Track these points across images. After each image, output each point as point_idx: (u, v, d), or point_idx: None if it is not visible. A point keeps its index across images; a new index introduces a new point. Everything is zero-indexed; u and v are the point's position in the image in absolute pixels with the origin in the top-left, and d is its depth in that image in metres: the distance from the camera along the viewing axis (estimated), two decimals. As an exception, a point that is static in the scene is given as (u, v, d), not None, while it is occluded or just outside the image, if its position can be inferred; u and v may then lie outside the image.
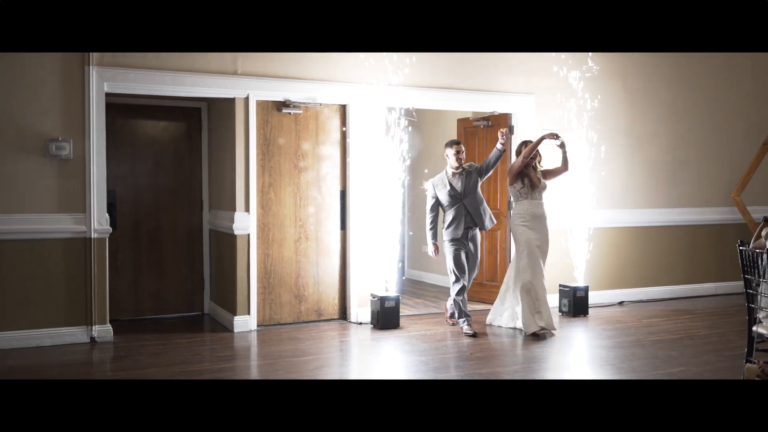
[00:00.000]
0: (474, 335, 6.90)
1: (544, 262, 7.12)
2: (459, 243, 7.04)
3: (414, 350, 6.44)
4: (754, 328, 4.78)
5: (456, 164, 7.05)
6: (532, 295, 6.96)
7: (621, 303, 8.74)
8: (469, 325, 7.01)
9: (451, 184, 7.07)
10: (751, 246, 4.82)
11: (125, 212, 7.67)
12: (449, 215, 7.09)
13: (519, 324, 7.11)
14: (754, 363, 4.48)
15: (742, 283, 4.91)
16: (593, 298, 8.41)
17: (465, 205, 7.05)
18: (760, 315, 4.75)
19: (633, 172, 8.95)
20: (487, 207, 7.27)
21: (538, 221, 7.09)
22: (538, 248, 7.05)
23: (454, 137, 8.68)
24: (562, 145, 7.23)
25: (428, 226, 7.23)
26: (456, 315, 7.14)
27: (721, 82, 9.48)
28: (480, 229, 7.16)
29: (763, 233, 4.81)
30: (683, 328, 7.34)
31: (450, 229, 7.07)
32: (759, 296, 4.75)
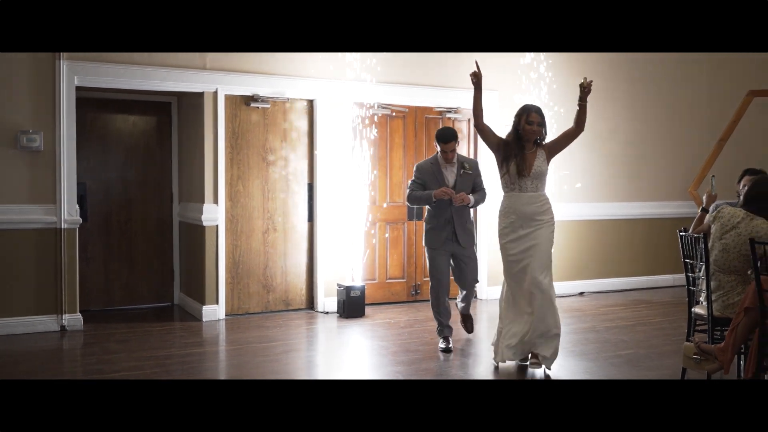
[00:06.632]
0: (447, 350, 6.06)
1: (536, 275, 5.44)
2: (438, 249, 6.06)
3: (376, 336, 6.67)
4: (694, 309, 5.05)
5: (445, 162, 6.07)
6: (503, 320, 5.57)
7: (581, 293, 9.03)
8: (445, 338, 6.14)
9: (441, 174, 6.05)
10: (691, 231, 5.08)
11: (96, 204, 7.81)
12: (431, 218, 6.09)
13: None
14: (692, 341, 4.74)
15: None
16: (554, 288, 8.64)
17: (452, 212, 5.97)
18: (701, 297, 5.01)
19: (593, 168, 9.23)
20: (473, 223, 6.28)
21: (524, 222, 5.37)
22: (521, 258, 5.40)
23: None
24: (585, 92, 5.42)
25: (417, 200, 6.05)
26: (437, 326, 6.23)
27: (678, 80, 9.79)
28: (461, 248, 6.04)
29: (706, 219, 5.07)
30: (638, 316, 7.62)
31: (430, 235, 6.07)
32: (698, 279, 5.01)
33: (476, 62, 5.49)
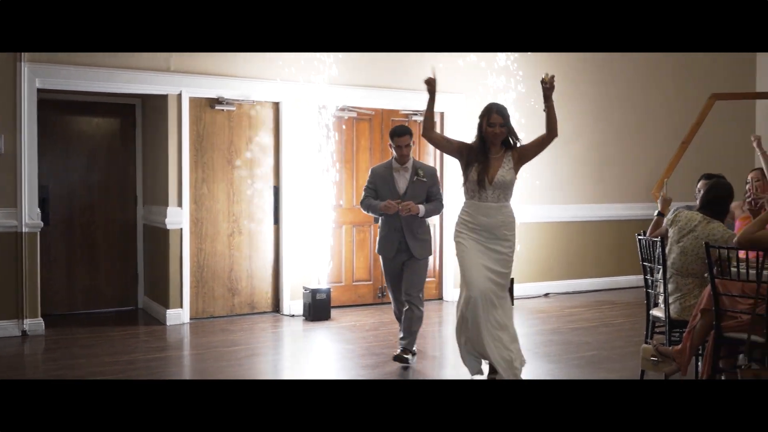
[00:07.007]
0: (400, 359, 5.65)
1: (498, 295, 4.86)
2: (390, 259, 5.79)
3: (341, 339, 6.68)
4: (652, 312, 5.13)
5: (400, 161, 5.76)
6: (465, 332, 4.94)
7: (546, 295, 9.11)
8: (402, 348, 5.71)
9: (393, 180, 5.75)
10: (648, 235, 5.16)
11: (58, 207, 7.72)
12: (383, 224, 5.83)
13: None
14: (650, 343, 4.81)
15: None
16: (520, 290, 8.75)
17: (402, 220, 5.66)
18: (659, 300, 5.08)
19: (559, 170, 9.31)
20: (429, 232, 5.95)
21: (485, 233, 4.86)
22: (482, 264, 4.84)
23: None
24: (548, 89, 4.96)
25: (368, 208, 5.79)
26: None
27: (642, 82, 9.91)
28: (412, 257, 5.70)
29: (664, 222, 5.15)
30: (601, 317, 7.71)
31: (382, 243, 5.80)
32: (656, 281, 5.09)
33: (432, 68, 5.05)
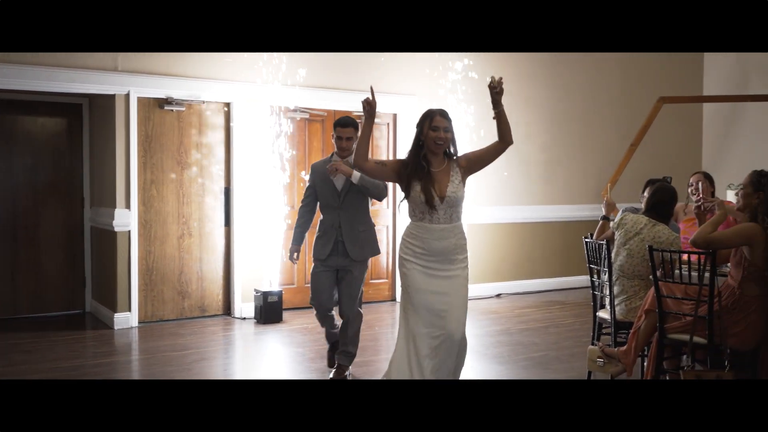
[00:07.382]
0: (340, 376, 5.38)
1: (451, 329, 4.40)
2: (323, 262, 5.32)
3: (293, 342, 6.64)
4: (598, 313, 5.20)
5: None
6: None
7: (498, 295, 9.17)
8: (338, 365, 5.41)
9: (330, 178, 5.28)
10: (594, 238, 5.23)
11: (1, 209, 7.53)
12: (320, 224, 5.39)
13: None
14: (596, 345, 4.88)
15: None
16: (472, 291, 8.74)
17: (340, 216, 5.29)
18: (606, 301, 5.15)
19: (510, 171, 9.38)
20: (373, 230, 5.43)
21: (438, 257, 4.26)
22: (431, 302, 4.28)
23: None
24: (497, 93, 4.21)
25: (295, 227, 5.51)
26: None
27: (591, 85, 10.04)
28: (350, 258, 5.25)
29: (611, 225, 5.23)
30: (551, 318, 7.79)
31: (316, 243, 5.36)
32: (601, 284, 5.16)
33: (371, 88, 4.44)
